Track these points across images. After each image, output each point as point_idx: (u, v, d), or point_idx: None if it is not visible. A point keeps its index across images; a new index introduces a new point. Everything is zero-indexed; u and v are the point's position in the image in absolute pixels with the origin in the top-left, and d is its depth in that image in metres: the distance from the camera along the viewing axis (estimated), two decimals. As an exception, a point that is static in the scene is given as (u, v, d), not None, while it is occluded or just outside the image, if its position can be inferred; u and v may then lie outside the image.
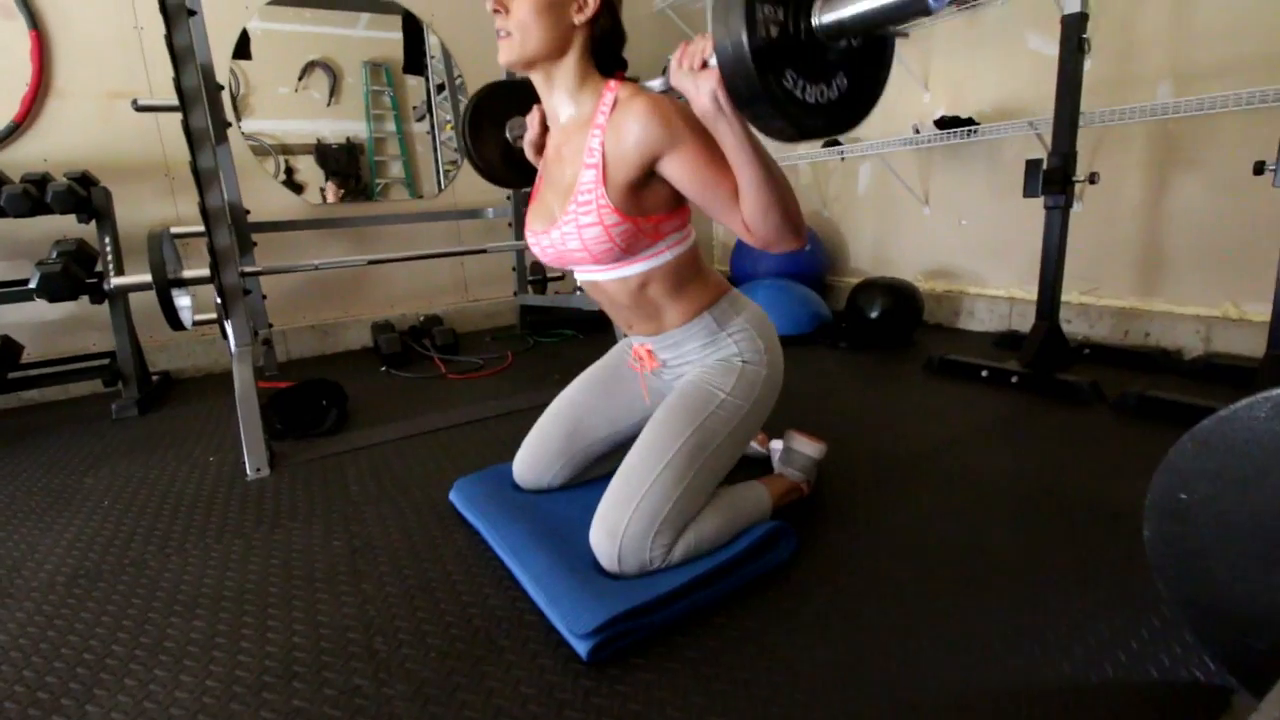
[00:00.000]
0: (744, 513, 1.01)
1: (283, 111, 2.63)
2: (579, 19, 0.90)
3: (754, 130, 0.77)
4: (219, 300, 1.64)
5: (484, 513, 1.12)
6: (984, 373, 1.82)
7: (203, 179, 1.54)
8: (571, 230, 0.93)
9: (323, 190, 2.74)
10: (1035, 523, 1.08)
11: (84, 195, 1.99)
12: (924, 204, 2.58)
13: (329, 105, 2.72)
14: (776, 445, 1.25)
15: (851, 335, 2.34)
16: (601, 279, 1.00)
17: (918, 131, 2.36)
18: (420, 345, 2.59)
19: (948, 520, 1.10)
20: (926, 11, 0.62)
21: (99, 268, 2.05)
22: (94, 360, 2.14)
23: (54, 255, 1.93)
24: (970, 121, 2.23)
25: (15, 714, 0.78)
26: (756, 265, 2.84)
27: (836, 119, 0.75)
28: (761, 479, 1.13)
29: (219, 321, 1.74)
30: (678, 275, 0.99)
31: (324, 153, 2.73)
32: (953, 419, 1.57)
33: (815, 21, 0.70)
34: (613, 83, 0.94)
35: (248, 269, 1.82)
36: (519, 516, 1.08)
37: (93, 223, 2.07)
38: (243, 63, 2.51)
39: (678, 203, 0.95)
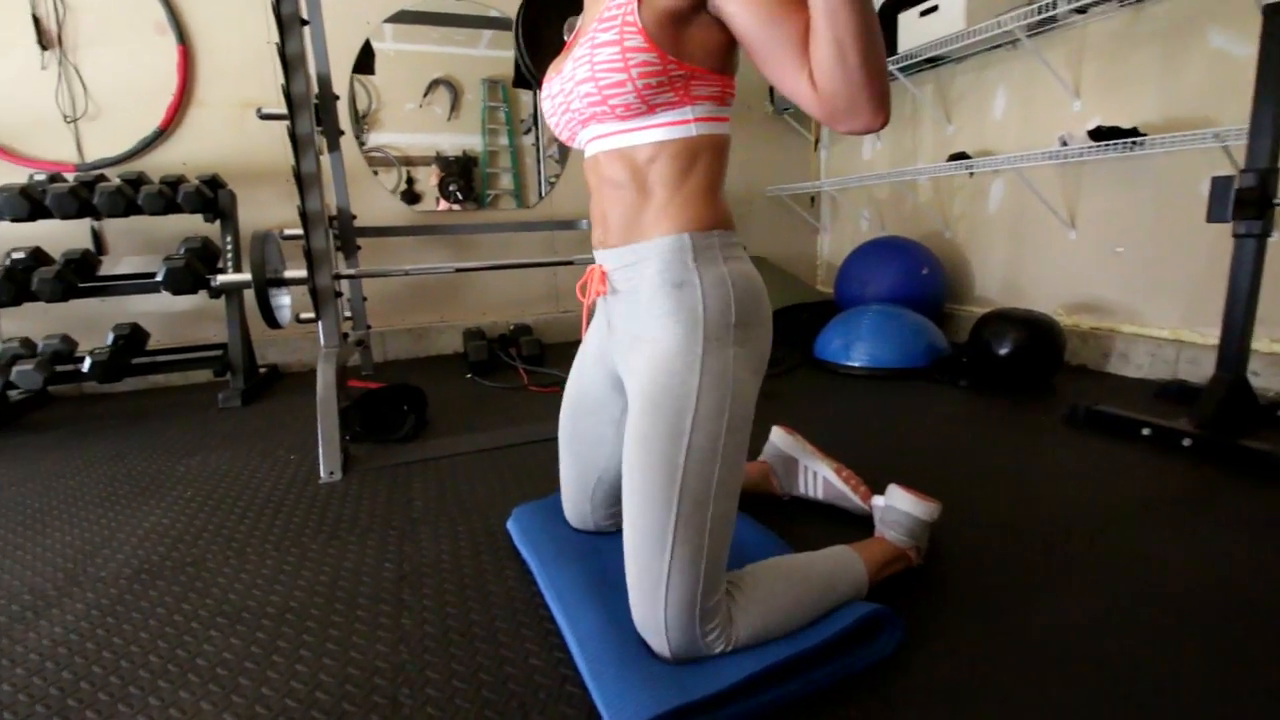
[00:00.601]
0: (833, 588, 0.84)
1: (408, 126, 2.76)
2: None
3: None
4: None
5: (537, 548, 1.02)
6: (1145, 430, 1.51)
7: (304, 183, 1.57)
8: (584, 54, 0.76)
9: (438, 199, 2.85)
10: (1231, 644, 0.82)
11: (211, 197, 2.12)
12: (1069, 227, 2.25)
13: (449, 120, 2.82)
14: (879, 502, 1.06)
15: (975, 373, 2.06)
16: (605, 149, 0.81)
17: (1065, 144, 2.06)
18: (506, 354, 2.57)
19: (1105, 625, 0.87)
20: None
21: (220, 264, 2.18)
22: (209, 351, 2.28)
23: (181, 251, 2.07)
24: (1134, 132, 1.91)
25: (43, 720, 0.76)
26: (865, 289, 2.60)
27: None
28: (856, 545, 0.94)
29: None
30: (690, 161, 0.78)
31: (442, 164, 2.83)
32: (1105, 487, 1.29)
33: None
34: None
35: (342, 272, 1.85)
36: (573, 559, 0.96)
37: (218, 222, 2.21)
38: (374, 80, 2.66)
39: (723, 66, 0.77)
